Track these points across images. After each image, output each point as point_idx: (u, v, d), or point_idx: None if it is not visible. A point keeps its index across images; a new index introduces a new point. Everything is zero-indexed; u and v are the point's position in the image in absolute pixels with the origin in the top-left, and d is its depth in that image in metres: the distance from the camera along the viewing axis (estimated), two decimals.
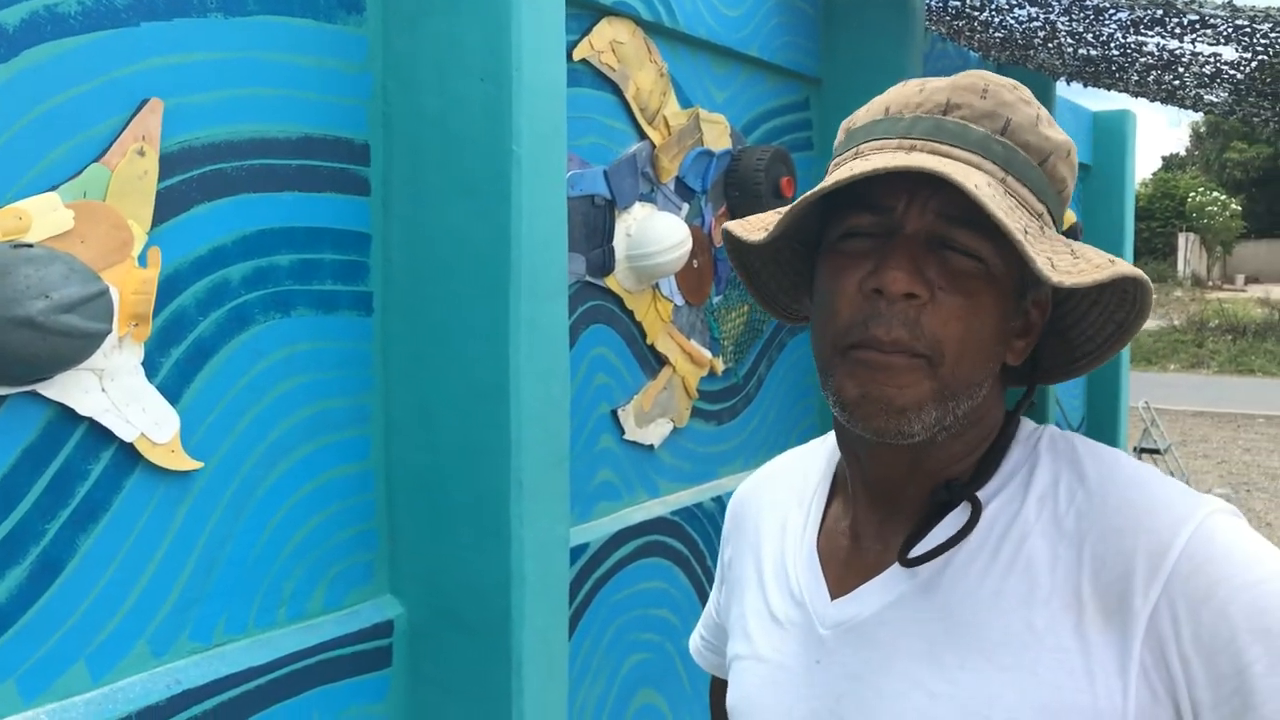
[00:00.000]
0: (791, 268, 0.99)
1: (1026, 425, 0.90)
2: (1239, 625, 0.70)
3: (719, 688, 1.19)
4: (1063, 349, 0.91)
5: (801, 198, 0.84)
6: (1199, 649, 0.71)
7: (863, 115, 0.89)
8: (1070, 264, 0.77)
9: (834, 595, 0.90)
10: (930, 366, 0.80)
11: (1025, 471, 0.85)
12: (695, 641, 1.24)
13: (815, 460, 1.04)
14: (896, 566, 0.86)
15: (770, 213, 0.93)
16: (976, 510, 0.83)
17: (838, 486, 0.99)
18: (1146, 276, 0.80)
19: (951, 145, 0.81)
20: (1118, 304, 0.84)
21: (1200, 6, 3.94)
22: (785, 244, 0.97)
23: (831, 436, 1.03)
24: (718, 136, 3.50)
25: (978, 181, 0.76)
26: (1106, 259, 0.79)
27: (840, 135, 0.92)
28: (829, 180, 0.81)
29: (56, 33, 1.75)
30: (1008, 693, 0.77)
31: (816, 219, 0.91)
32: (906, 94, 0.86)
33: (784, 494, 1.05)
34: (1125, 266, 0.78)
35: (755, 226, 0.92)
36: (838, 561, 0.93)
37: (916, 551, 0.85)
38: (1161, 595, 0.73)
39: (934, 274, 0.80)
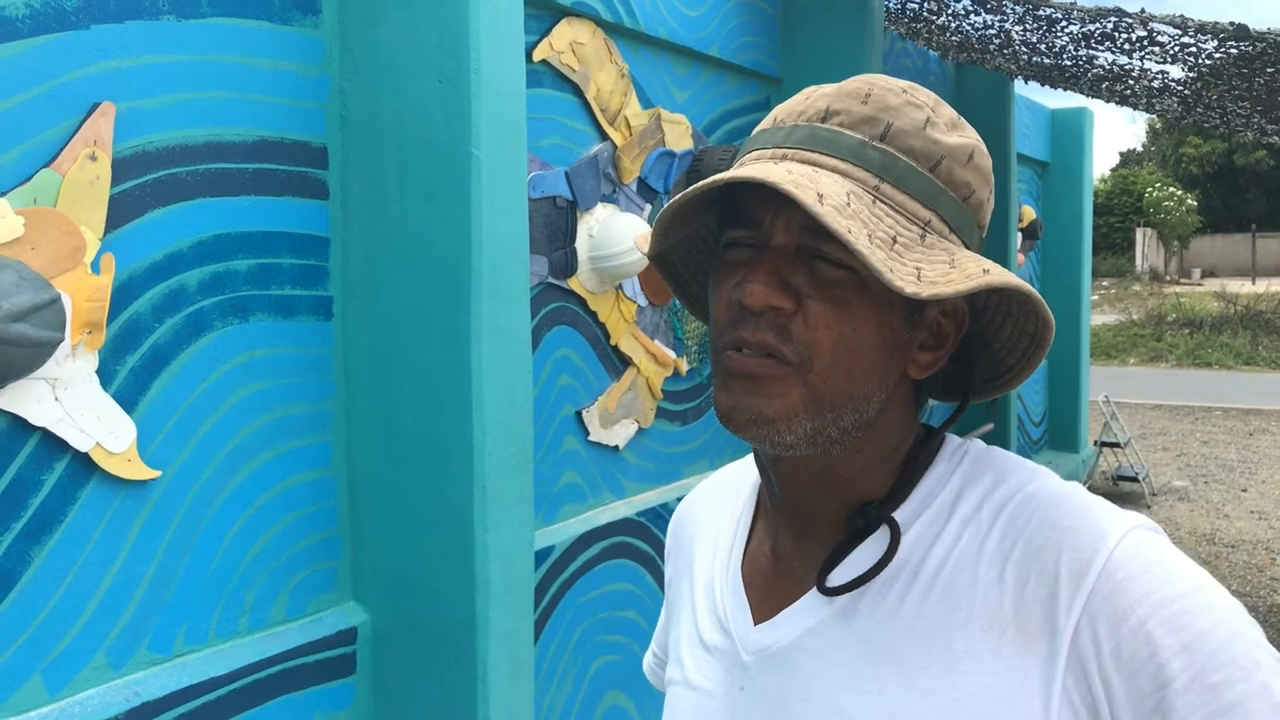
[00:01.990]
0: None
1: (951, 441, 0.88)
2: (1158, 642, 0.70)
3: None
4: (990, 362, 0.90)
5: (659, 215, 0.84)
6: (1119, 667, 0.71)
7: (761, 124, 0.88)
8: (941, 274, 0.76)
9: (757, 620, 0.89)
10: (800, 374, 0.78)
11: (949, 491, 0.83)
12: (648, 660, 1.22)
13: (747, 476, 1.02)
14: (815, 592, 0.84)
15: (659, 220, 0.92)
16: (896, 537, 0.81)
17: (761, 505, 0.97)
18: (1028, 287, 0.77)
19: (822, 153, 0.80)
20: (1025, 316, 0.83)
21: (1149, 20, 3.99)
22: (701, 247, 0.97)
23: None
24: (679, 137, 3.50)
25: (829, 192, 0.74)
26: (981, 269, 0.77)
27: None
28: (678, 196, 0.81)
29: (3, 36, 1.71)
30: (929, 717, 0.76)
31: (718, 224, 0.90)
32: (794, 102, 0.85)
33: (719, 511, 1.02)
34: (999, 278, 0.76)
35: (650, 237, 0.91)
36: (760, 585, 0.91)
37: (836, 578, 0.83)
38: (1083, 614, 0.73)
39: (802, 283, 0.79)
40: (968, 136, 0.84)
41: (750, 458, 1.03)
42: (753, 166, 0.79)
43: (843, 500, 0.86)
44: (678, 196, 0.81)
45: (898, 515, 0.83)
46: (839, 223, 0.72)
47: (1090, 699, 0.72)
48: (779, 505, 0.91)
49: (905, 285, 0.73)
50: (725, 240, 0.84)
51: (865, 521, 0.84)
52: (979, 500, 0.82)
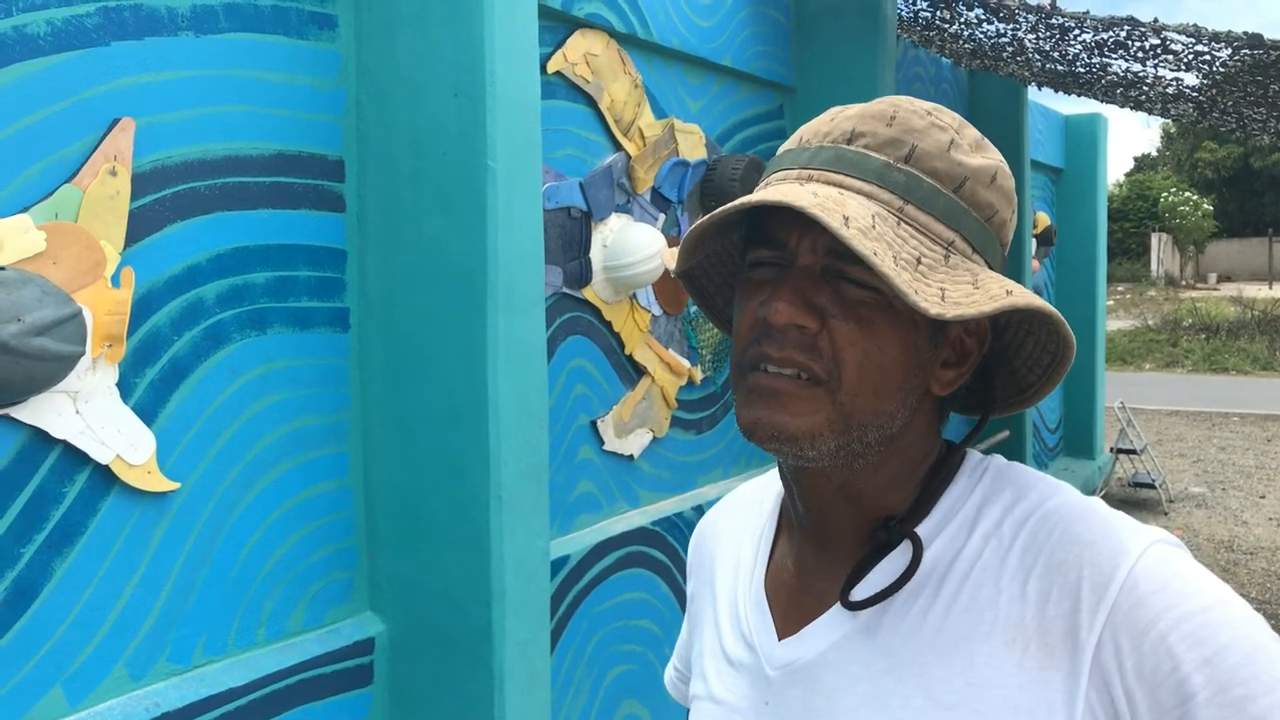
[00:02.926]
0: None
1: (973, 457, 0.88)
2: (1180, 656, 0.70)
3: None
4: (1011, 379, 0.90)
5: (686, 235, 0.85)
6: (1142, 681, 0.71)
7: (787, 143, 0.89)
8: (965, 295, 0.77)
9: (781, 635, 0.90)
10: (829, 394, 0.79)
11: (970, 507, 0.84)
12: (670, 674, 1.23)
13: (769, 492, 1.03)
14: (839, 607, 0.85)
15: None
16: (918, 551, 0.82)
17: (783, 521, 0.97)
18: (1051, 309, 0.79)
19: (847, 175, 0.81)
20: (1049, 335, 0.84)
21: (1162, 29, 3.99)
22: (727, 261, 0.98)
23: None
24: (693, 146, 3.51)
25: (855, 214, 0.75)
26: (1005, 290, 0.78)
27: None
28: (705, 218, 0.82)
29: (25, 53, 1.74)
30: None
31: (743, 241, 0.91)
32: (819, 123, 0.86)
33: (740, 528, 1.03)
34: (1021, 299, 0.77)
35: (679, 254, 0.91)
36: (784, 600, 0.92)
37: (860, 593, 0.84)
38: (1105, 628, 0.73)
39: (827, 302, 0.80)
40: (991, 158, 0.85)
41: (774, 472, 1.04)
42: (779, 188, 0.80)
43: (865, 514, 0.86)
44: (704, 218, 0.82)
45: (920, 530, 0.84)
46: (865, 245, 0.73)
47: (1113, 712, 0.72)
48: (802, 519, 0.91)
49: (930, 306, 0.73)
50: (750, 259, 0.85)
51: (888, 536, 0.84)
52: (1000, 515, 0.83)
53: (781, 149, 0.89)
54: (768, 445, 0.81)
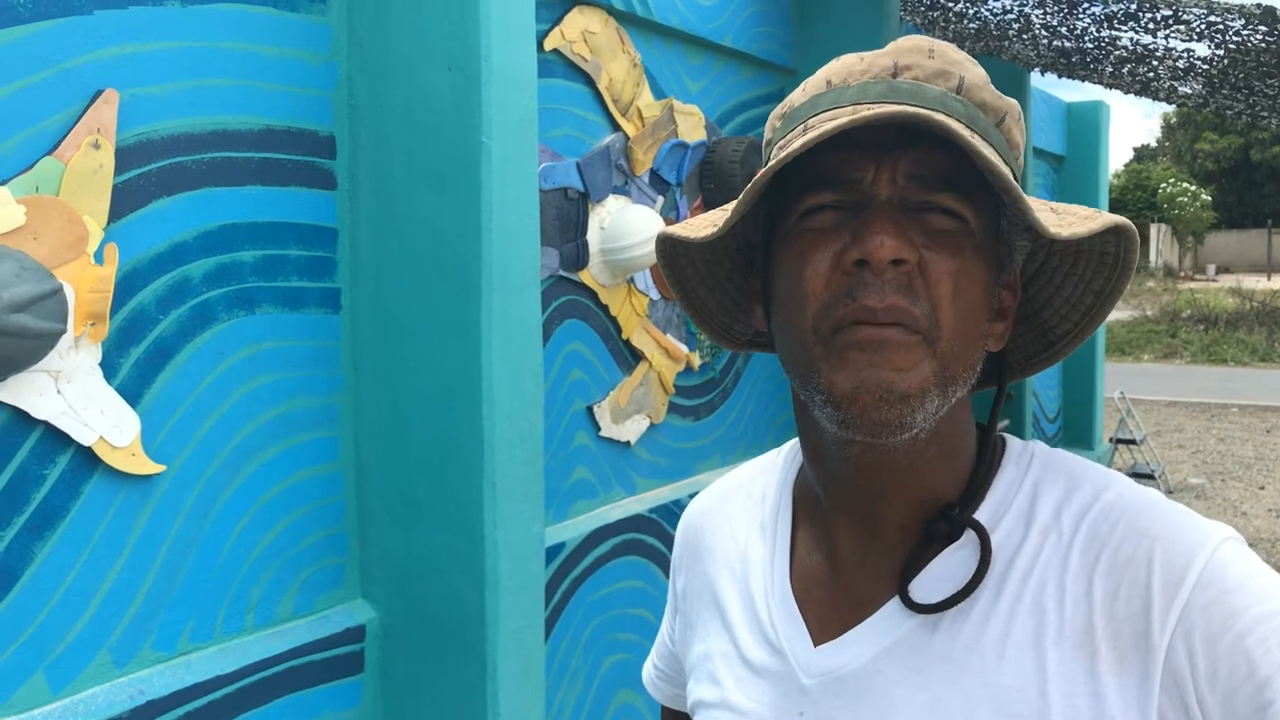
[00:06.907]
0: (731, 284, 0.89)
1: (1015, 442, 0.81)
2: (1258, 660, 0.65)
3: (671, 718, 1.12)
4: (1034, 335, 0.84)
5: (755, 178, 0.73)
6: (1215, 687, 0.66)
7: (799, 96, 0.80)
8: (1057, 220, 0.71)
9: (817, 639, 0.81)
10: (928, 344, 0.71)
11: (1024, 497, 0.77)
12: (649, 671, 1.14)
13: (770, 479, 0.93)
14: (890, 608, 0.77)
15: (714, 211, 0.83)
16: (987, 546, 0.74)
17: (801, 511, 0.88)
18: (1130, 224, 0.73)
19: (908, 104, 0.72)
20: (1095, 269, 0.78)
21: (1175, 1, 3.94)
22: (725, 255, 0.87)
23: (785, 450, 0.95)
24: (692, 128, 3.46)
25: (958, 130, 0.68)
26: (1089, 211, 0.72)
27: (774, 124, 0.82)
28: (781, 155, 0.71)
29: (5, 21, 1.68)
30: None
31: (762, 217, 0.82)
32: (847, 65, 0.77)
33: (740, 519, 0.93)
34: (1110, 216, 0.72)
35: (700, 225, 0.80)
36: (818, 601, 0.83)
37: (920, 592, 0.76)
38: (1178, 629, 0.67)
39: (916, 235, 0.71)
40: (1011, 98, 0.80)
41: (768, 458, 0.96)
42: (867, 112, 0.70)
43: (917, 500, 0.78)
44: (777, 159, 0.70)
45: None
46: (988, 152, 0.67)
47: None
48: (843, 508, 0.82)
49: (1049, 225, 0.68)
50: (806, 208, 0.75)
51: (949, 526, 0.76)
52: (1055, 507, 0.76)
53: (799, 100, 0.79)
54: (873, 414, 0.71)
